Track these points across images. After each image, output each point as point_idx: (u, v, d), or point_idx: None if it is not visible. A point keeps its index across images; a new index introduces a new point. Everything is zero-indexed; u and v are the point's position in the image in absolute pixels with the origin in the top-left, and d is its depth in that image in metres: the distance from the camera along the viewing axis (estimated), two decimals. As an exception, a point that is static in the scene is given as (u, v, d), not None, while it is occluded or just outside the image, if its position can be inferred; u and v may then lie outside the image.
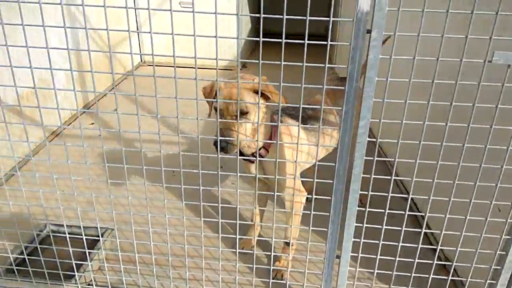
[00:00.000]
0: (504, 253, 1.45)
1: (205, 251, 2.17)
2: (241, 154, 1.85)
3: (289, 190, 1.89)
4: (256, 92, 1.66)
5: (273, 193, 1.50)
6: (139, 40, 5.80)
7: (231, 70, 5.92)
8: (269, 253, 2.13)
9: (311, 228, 1.48)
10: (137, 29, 5.71)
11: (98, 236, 2.02)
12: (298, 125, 1.44)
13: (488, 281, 1.53)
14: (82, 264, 1.84)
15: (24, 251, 1.89)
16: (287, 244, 2.01)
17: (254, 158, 1.81)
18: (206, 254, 2.16)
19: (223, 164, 3.15)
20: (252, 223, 2.22)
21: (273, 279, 2.01)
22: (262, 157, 1.80)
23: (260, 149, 1.81)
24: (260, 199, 2.20)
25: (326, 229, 1.50)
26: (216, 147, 1.61)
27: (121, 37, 5.13)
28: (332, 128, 2.09)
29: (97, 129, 3.64)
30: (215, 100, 1.61)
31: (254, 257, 1.62)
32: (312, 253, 2.21)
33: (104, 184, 2.79)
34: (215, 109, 1.66)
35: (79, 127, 1.48)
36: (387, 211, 1.44)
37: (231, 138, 1.61)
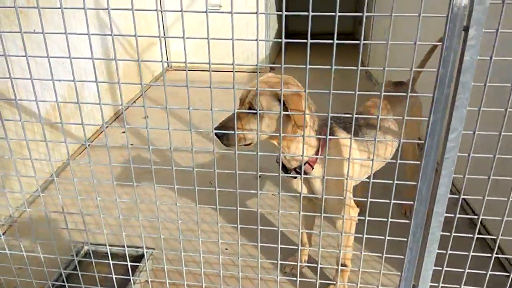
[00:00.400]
0: None
1: (251, 271, 2.01)
2: (284, 168, 1.67)
3: (339, 209, 1.69)
4: (278, 99, 1.48)
5: (319, 214, 1.32)
6: (165, 45, 5.72)
7: (260, 72, 5.76)
8: (320, 279, 1.96)
9: (384, 255, 1.30)
10: (164, 33, 5.62)
11: (139, 258, 1.89)
12: (350, 137, 1.22)
13: None
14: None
15: (63, 274, 1.78)
16: (342, 265, 1.82)
17: (297, 175, 1.63)
18: (252, 274, 2.00)
19: (261, 174, 2.99)
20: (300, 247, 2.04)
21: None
22: (306, 174, 1.61)
23: (304, 164, 1.61)
24: (306, 220, 2.02)
25: (399, 256, 1.31)
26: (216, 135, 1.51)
27: (149, 42, 5.04)
28: (388, 138, 1.89)
29: (127, 139, 3.54)
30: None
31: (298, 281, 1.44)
32: (374, 279, 2.01)
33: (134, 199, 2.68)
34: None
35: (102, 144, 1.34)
36: (476, 235, 1.24)
37: (228, 130, 1.48)
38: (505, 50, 1.83)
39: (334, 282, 1.87)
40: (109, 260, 1.52)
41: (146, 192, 2.78)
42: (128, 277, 1.67)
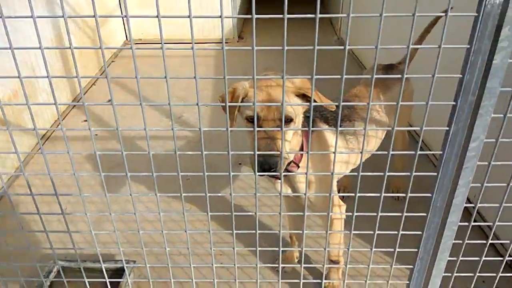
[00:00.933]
0: None
1: (239, 270, 1.91)
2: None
3: (326, 207, 1.58)
4: (297, 95, 1.34)
5: (303, 214, 1.20)
6: (122, 18, 5.26)
7: (227, 42, 5.47)
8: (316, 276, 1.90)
9: (393, 266, 1.22)
10: (120, 5, 5.17)
11: (118, 272, 1.73)
12: (336, 130, 1.09)
13: None
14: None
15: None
16: (333, 262, 1.74)
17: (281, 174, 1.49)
18: (241, 273, 1.90)
19: (240, 161, 2.85)
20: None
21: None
22: (291, 172, 1.48)
23: (289, 163, 1.47)
24: (293, 219, 1.91)
25: (409, 266, 1.24)
26: (260, 167, 1.22)
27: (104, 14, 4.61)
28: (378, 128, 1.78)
29: (91, 129, 3.27)
30: (247, 104, 1.29)
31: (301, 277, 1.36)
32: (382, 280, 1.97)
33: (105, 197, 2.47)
34: (248, 119, 1.32)
35: (62, 130, 1.14)
36: (489, 241, 1.18)
37: (277, 153, 1.22)
38: None
39: (329, 280, 1.81)
40: (84, 278, 1.36)
41: (118, 189, 2.57)
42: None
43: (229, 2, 5.27)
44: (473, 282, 1.26)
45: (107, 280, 1.39)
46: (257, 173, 1.23)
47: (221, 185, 2.54)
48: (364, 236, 2.06)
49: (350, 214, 1.15)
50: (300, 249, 1.95)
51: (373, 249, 1.18)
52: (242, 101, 1.32)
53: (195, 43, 0.88)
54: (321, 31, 5.45)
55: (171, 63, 4.67)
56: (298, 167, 1.48)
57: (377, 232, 1.15)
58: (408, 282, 1.27)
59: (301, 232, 1.19)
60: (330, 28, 5.95)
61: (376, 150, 1.84)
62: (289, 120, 1.30)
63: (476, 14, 0.84)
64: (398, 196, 2.33)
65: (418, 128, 0.98)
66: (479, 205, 1.09)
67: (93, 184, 2.61)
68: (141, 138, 3.12)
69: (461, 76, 0.91)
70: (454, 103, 0.95)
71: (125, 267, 1.64)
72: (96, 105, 3.67)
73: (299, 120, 1.35)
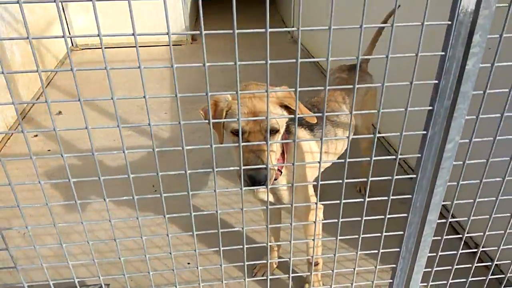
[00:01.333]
0: None
1: (218, 282, 1.88)
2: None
3: (306, 213, 1.61)
4: (281, 105, 1.34)
5: (285, 224, 1.21)
6: (66, 22, 4.99)
7: (181, 45, 5.35)
8: (294, 277, 1.91)
9: (377, 266, 1.24)
10: (63, 10, 4.89)
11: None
12: (321, 139, 1.11)
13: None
14: None
15: None
16: (311, 264, 1.76)
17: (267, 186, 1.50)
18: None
19: (207, 163, 2.80)
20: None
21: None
22: (275, 181, 1.49)
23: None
24: (274, 228, 1.91)
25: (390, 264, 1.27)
26: (250, 181, 1.22)
27: (46, 21, 4.35)
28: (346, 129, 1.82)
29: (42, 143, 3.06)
30: (231, 120, 1.26)
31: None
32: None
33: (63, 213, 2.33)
34: (233, 132, 1.30)
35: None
36: (465, 235, 1.23)
37: (263, 167, 1.19)
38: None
39: (308, 282, 1.82)
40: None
41: (84, 208, 2.43)
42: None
43: (180, 2, 5.16)
44: (451, 275, 1.31)
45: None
46: (246, 188, 1.22)
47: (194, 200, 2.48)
48: (345, 239, 2.10)
49: (335, 220, 1.16)
50: (277, 258, 1.95)
51: (358, 252, 1.20)
52: (226, 114, 1.30)
53: (147, 46, 0.84)
54: (274, 31, 5.51)
55: (126, 71, 4.50)
56: (281, 173, 1.49)
57: (361, 236, 1.16)
58: (391, 280, 1.31)
59: (283, 241, 1.19)
60: (283, 26, 6.02)
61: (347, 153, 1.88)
62: (274, 131, 1.29)
63: (450, 23, 0.87)
64: (364, 196, 2.41)
65: (398, 134, 1.00)
66: (456, 202, 1.14)
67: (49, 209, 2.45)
68: (100, 150, 2.97)
69: (436, 82, 0.94)
70: (431, 107, 0.98)
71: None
72: (45, 119, 3.45)
73: (283, 130, 1.35)
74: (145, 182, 2.57)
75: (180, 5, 5.19)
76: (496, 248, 1.29)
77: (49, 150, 2.99)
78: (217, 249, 1.14)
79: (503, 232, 1.25)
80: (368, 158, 1.04)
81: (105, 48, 0.80)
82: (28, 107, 3.58)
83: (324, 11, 4.19)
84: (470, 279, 1.33)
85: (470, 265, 1.30)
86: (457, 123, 1.00)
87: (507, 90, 0.98)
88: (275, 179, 1.48)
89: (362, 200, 1.10)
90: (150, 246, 2.11)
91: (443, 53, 0.90)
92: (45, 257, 2.04)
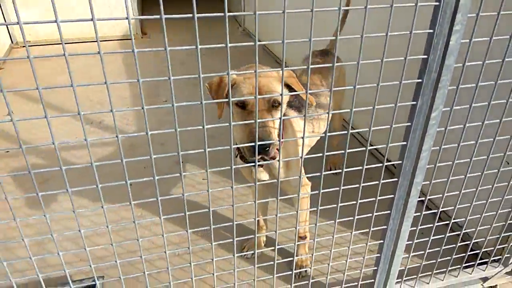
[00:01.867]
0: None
1: (209, 264, 1.93)
2: (243, 158, 1.59)
3: (296, 188, 1.72)
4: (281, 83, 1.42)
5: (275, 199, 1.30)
6: (4, 17, 4.65)
7: (129, 39, 5.20)
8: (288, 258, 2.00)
9: (370, 229, 1.37)
10: None
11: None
12: (304, 115, 1.20)
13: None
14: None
15: None
16: (301, 238, 1.88)
17: (264, 162, 1.58)
18: (211, 267, 1.92)
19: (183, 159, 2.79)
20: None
21: (297, 276, 1.89)
22: (274, 159, 1.57)
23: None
24: (262, 205, 1.99)
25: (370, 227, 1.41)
26: (252, 153, 1.30)
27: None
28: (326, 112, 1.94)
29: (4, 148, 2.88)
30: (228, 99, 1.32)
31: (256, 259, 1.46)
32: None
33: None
34: (238, 105, 1.36)
35: None
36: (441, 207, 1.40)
37: (269, 140, 1.28)
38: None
39: (297, 257, 1.93)
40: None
41: (57, 206, 2.34)
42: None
43: (127, -4, 5.02)
44: (429, 244, 1.48)
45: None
46: (245, 165, 1.29)
47: (167, 187, 2.48)
48: (334, 210, 2.23)
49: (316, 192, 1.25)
50: (267, 233, 2.04)
51: (354, 224, 1.32)
52: (232, 89, 1.37)
53: (100, 40, 0.88)
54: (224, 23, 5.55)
55: (79, 63, 4.31)
56: (278, 152, 1.57)
57: (359, 201, 1.28)
58: (382, 241, 1.44)
59: (271, 216, 1.26)
60: (233, 19, 6.07)
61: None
62: (277, 105, 1.37)
63: (438, 3, 0.99)
64: (330, 167, 2.60)
65: (392, 105, 1.12)
66: (439, 164, 1.29)
67: (20, 206, 2.34)
68: (63, 149, 2.86)
69: (425, 56, 1.07)
70: (420, 80, 1.11)
71: (97, 283, 1.55)
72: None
73: (284, 106, 1.44)
74: (114, 175, 2.53)
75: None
76: (464, 219, 1.48)
77: (7, 151, 2.82)
78: (207, 228, 1.19)
79: (469, 204, 1.43)
80: (345, 132, 1.15)
81: (50, 44, 0.83)
82: (-26, 109, 3.33)
83: (277, 5, 4.30)
84: (443, 247, 1.53)
85: (443, 235, 1.48)
86: (441, 93, 1.14)
87: (480, 62, 1.14)
88: (273, 158, 1.56)
89: (339, 171, 1.21)
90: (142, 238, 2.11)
91: (431, 30, 1.03)
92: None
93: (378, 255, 1.48)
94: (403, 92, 1.08)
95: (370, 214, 1.33)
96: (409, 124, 1.18)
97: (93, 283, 1.64)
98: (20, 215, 2.24)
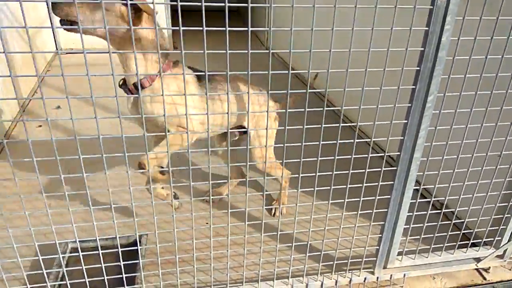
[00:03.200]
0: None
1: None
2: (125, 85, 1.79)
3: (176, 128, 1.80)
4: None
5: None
6: (52, 26, 5.14)
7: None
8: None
9: (377, 197, 1.63)
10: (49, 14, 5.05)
11: (131, 245, 1.91)
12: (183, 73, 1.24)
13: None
14: (134, 276, 1.73)
15: (64, 272, 1.70)
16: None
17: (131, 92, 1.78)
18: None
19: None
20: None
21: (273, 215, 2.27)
22: (142, 88, 1.69)
23: (142, 78, 1.68)
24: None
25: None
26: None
27: (38, 23, 4.52)
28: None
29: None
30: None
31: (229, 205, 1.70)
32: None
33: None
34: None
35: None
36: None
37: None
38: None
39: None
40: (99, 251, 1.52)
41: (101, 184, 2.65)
42: (134, 261, 1.70)
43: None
44: (423, 230, 1.73)
45: (120, 250, 1.57)
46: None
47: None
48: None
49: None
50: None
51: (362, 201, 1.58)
52: None
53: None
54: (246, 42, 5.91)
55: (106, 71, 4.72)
56: (150, 84, 1.70)
57: (364, 184, 1.55)
58: (386, 210, 1.70)
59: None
60: (256, 39, 6.49)
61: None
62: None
63: (432, 7, 1.29)
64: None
65: (395, 87, 1.41)
66: (434, 143, 1.56)
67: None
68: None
69: (422, 49, 1.36)
70: (418, 68, 1.39)
71: (139, 236, 1.83)
72: (44, 111, 3.62)
73: (107, 9, 1.58)
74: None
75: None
76: (457, 197, 1.72)
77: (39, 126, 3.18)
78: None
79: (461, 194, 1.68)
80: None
81: (91, 52, 1.14)
82: (27, 102, 3.74)
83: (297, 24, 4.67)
84: (436, 234, 1.78)
85: (436, 223, 1.73)
86: (436, 80, 1.42)
87: (467, 57, 1.42)
88: (142, 87, 1.70)
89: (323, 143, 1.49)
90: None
91: (427, 28, 1.32)
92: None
93: (382, 223, 1.73)
94: (404, 83, 1.37)
95: (373, 197, 1.60)
96: (410, 105, 1.46)
97: (134, 238, 1.93)
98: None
